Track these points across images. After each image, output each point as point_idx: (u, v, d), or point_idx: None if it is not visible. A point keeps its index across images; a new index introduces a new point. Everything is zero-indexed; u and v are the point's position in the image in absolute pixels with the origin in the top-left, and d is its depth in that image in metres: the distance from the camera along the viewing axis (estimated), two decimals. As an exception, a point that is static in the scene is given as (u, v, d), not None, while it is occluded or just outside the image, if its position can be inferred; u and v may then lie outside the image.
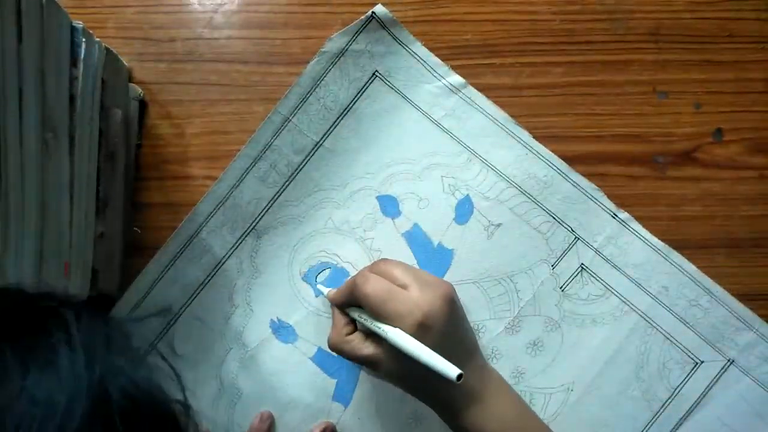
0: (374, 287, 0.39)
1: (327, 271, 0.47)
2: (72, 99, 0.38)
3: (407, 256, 0.47)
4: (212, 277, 0.46)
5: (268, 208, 0.46)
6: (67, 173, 0.38)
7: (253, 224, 0.46)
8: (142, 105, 0.47)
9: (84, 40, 0.39)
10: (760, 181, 0.48)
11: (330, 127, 0.46)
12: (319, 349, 0.46)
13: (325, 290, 0.45)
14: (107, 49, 0.43)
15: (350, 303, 0.42)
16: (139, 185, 0.48)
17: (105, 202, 0.44)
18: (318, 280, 0.47)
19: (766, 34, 0.48)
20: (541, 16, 0.48)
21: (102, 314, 0.32)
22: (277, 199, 0.46)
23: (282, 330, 0.47)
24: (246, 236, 0.46)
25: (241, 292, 0.46)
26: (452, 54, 0.47)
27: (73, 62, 0.39)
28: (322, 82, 0.46)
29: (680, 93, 0.48)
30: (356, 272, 0.45)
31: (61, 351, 0.26)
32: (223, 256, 0.46)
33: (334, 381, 0.46)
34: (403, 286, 0.39)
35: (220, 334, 0.46)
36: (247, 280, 0.47)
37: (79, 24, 0.39)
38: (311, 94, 0.46)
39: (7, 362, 0.24)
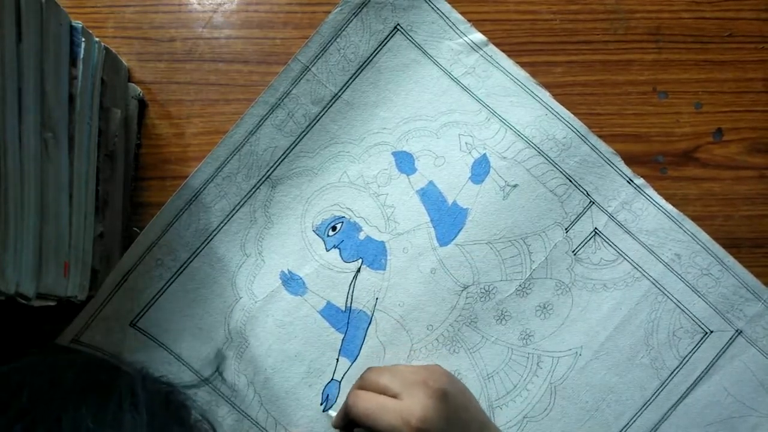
0: (365, 405, 0.40)
1: (340, 225, 0.46)
2: (71, 99, 0.38)
3: (421, 214, 0.46)
4: (225, 224, 0.46)
5: (284, 158, 0.46)
6: (66, 173, 0.38)
7: (268, 173, 0.46)
8: (142, 105, 0.47)
9: (83, 39, 0.39)
10: (760, 181, 0.48)
11: (349, 79, 0.46)
12: (328, 303, 0.46)
13: (333, 414, 0.45)
14: (107, 48, 0.43)
15: (352, 424, 0.42)
16: (138, 185, 0.47)
17: (104, 202, 0.44)
18: (330, 234, 0.46)
19: (766, 34, 0.48)
20: (542, 16, 0.48)
21: (162, 379, 0.33)
22: (293, 149, 0.46)
23: (292, 282, 0.46)
24: (260, 185, 0.46)
25: (253, 241, 0.46)
26: (452, 54, 0.47)
27: (73, 62, 0.39)
28: (344, 32, 0.45)
29: (680, 93, 0.48)
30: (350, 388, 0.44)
31: (126, 411, 0.26)
32: (237, 204, 0.46)
33: (342, 336, 0.46)
34: (395, 395, 0.40)
35: (229, 282, 0.46)
36: (259, 230, 0.46)
37: (78, 24, 0.39)
38: (332, 44, 0.45)
39: (82, 419, 0.25)
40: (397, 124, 0.46)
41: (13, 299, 0.33)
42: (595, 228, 0.46)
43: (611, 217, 0.46)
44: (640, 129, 0.48)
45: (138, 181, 0.47)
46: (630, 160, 0.47)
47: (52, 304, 0.37)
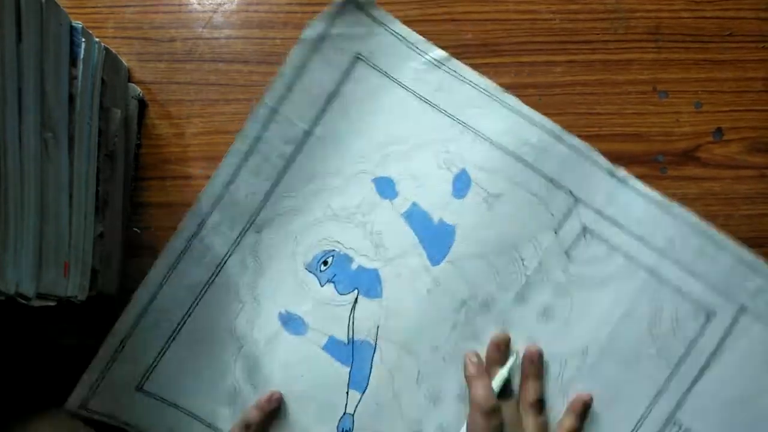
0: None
1: (331, 259, 0.46)
2: (71, 99, 0.38)
3: (409, 236, 0.46)
4: (216, 276, 0.46)
5: (266, 202, 0.46)
6: (66, 173, 0.38)
7: (252, 219, 0.46)
8: (142, 105, 0.47)
9: (83, 39, 0.39)
10: (760, 181, 0.48)
11: (319, 114, 0.46)
12: (330, 338, 0.46)
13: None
14: (107, 48, 0.43)
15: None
16: (138, 185, 0.47)
17: (104, 202, 0.44)
18: (322, 269, 0.46)
19: (766, 33, 0.48)
20: (541, 16, 0.48)
21: None
22: (273, 191, 0.46)
23: (291, 322, 0.46)
24: (246, 231, 0.46)
25: (246, 288, 0.46)
26: (452, 53, 0.47)
27: (73, 62, 0.39)
28: (306, 70, 0.45)
29: (680, 92, 0.48)
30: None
31: None
32: (225, 254, 0.46)
33: (348, 368, 0.46)
34: None
35: (229, 332, 0.46)
36: (252, 276, 0.46)
37: (78, 24, 0.39)
38: (296, 83, 0.45)
39: None
40: (372, 150, 0.46)
41: (13, 299, 0.33)
42: (584, 225, 0.46)
43: (598, 212, 0.46)
44: (640, 128, 0.48)
45: (138, 181, 0.47)
46: (630, 159, 0.47)
47: (52, 304, 0.37)
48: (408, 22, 0.46)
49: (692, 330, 0.46)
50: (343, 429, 0.46)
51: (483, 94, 0.46)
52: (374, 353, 0.46)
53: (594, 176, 0.46)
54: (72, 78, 0.38)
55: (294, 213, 0.46)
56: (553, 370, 0.46)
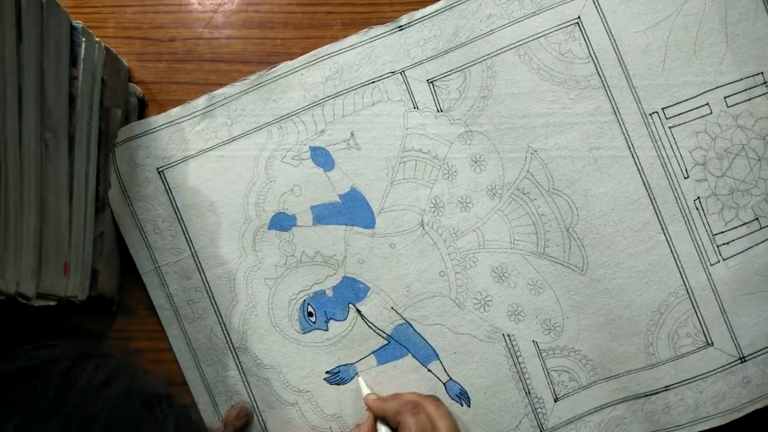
0: (417, 426, 0.40)
1: (310, 307, 0.46)
2: (72, 99, 0.38)
3: (338, 231, 0.46)
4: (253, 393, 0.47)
5: (227, 334, 0.46)
6: (66, 173, 0.38)
7: (235, 350, 0.46)
8: (142, 104, 0.47)
9: (84, 39, 0.39)
10: (760, 182, 0.48)
11: (188, 241, 0.46)
12: (374, 352, 0.46)
13: (365, 390, 0.45)
14: (107, 48, 0.43)
15: (385, 416, 0.43)
16: (138, 185, 0.47)
17: (105, 202, 0.44)
18: (313, 321, 0.46)
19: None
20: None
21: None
22: (222, 321, 0.46)
23: (339, 375, 0.47)
24: (237, 357, 0.46)
25: (286, 391, 0.47)
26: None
27: (73, 62, 0.39)
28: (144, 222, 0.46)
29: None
30: (411, 393, 0.45)
31: None
32: (245, 385, 0.46)
33: (411, 354, 0.46)
34: None
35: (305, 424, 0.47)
36: (279, 377, 0.46)
37: (78, 24, 0.39)
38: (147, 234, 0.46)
39: None
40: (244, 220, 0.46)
41: (13, 299, 0.33)
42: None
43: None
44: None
45: (138, 181, 0.47)
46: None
47: (52, 303, 0.37)
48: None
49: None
50: (456, 395, 0.46)
51: (257, 95, 0.46)
52: (411, 326, 0.46)
53: None
54: (72, 78, 0.38)
55: (258, 326, 0.46)
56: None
